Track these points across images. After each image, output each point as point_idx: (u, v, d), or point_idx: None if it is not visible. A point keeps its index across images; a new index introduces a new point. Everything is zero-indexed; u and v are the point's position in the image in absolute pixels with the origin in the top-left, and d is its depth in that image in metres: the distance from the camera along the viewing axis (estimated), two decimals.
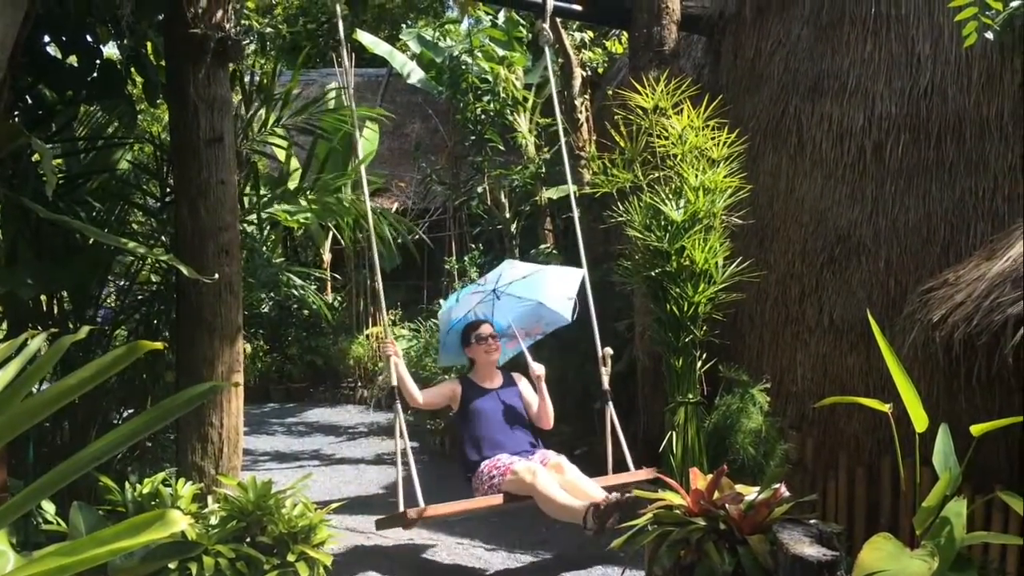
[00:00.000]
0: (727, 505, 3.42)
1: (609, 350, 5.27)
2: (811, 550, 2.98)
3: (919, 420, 3.12)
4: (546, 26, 5.96)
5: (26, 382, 1.59)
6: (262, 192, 5.40)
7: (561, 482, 4.47)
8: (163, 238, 5.03)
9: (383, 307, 5.10)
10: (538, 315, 5.49)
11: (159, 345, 1.53)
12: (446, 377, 6.36)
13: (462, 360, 5.37)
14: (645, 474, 4.85)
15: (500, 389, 5.06)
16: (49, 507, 3.78)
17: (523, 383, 5.19)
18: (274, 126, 5.27)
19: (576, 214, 5.78)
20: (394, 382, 4.61)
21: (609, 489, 4.53)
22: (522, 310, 5.45)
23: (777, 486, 3.49)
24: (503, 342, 5.27)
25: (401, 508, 4.34)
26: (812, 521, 3.32)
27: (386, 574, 4.82)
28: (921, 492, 3.10)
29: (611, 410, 5.14)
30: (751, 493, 3.50)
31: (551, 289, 5.41)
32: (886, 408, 3.24)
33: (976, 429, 3.04)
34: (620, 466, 5.07)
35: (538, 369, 5.04)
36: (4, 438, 1.54)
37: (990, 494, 3.58)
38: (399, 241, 5.85)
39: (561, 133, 5.90)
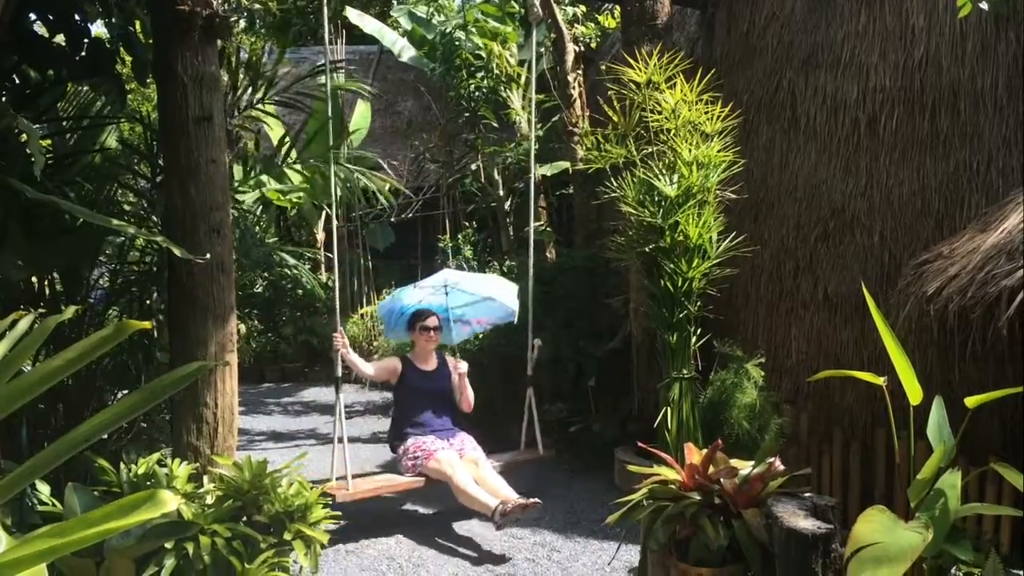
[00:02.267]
0: (722, 479, 3.43)
1: (538, 341, 5.91)
2: (806, 523, 2.99)
3: (913, 393, 3.12)
4: (536, 3, 5.90)
5: (12, 363, 1.57)
6: (252, 170, 5.37)
7: (475, 475, 5.20)
8: (154, 218, 4.99)
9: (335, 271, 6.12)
10: (488, 307, 6.27)
11: (146, 324, 1.51)
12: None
13: (408, 337, 5.98)
14: (546, 455, 5.91)
15: (435, 372, 5.73)
16: (44, 488, 3.76)
17: (455, 369, 5.79)
18: (259, 103, 5.23)
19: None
20: (339, 373, 5.24)
21: (514, 465, 5.71)
22: (473, 302, 6.26)
23: (771, 460, 3.50)
24: (456, 326, 6.22)
25: (333, 482, 5.06)
26: (807, 494, 3.33)
27: (383, 553, 4.84)
28: (916, 465, 3.10)
29: (531, 395, 5.87)
30: (746, 467, 3.51)
31: (496, 289, 6.16)
32: (881, 381, 3.24)
33: (971, 401, 3.04)
34: (531, 445, 5.95)
35: (462, 367, 5.74)
36: None
37: (984, 466, 3.59)
38: (393, 221, 5.99)
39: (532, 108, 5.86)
